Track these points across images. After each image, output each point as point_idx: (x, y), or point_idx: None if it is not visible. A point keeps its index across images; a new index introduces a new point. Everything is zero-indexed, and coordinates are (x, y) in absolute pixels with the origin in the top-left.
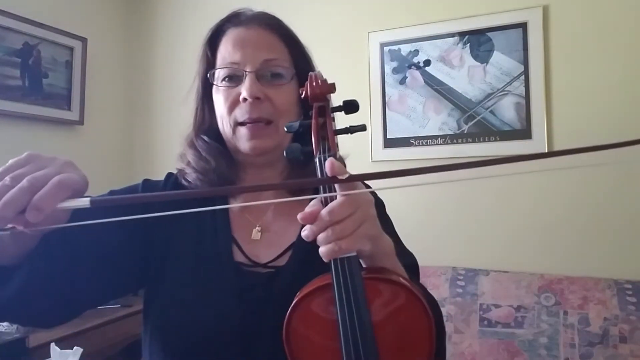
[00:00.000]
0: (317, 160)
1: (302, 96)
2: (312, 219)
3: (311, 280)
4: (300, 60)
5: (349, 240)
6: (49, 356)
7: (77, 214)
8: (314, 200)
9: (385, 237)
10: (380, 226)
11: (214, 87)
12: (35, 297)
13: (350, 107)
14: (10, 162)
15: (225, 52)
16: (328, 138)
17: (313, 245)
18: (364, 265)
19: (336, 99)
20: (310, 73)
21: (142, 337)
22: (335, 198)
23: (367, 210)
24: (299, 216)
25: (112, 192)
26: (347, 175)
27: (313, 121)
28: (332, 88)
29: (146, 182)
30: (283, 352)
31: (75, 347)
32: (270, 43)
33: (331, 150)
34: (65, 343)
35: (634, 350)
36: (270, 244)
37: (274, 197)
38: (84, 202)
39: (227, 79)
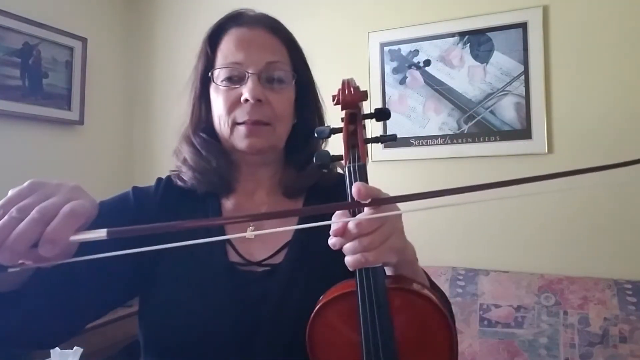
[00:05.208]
0: (347, 169)
1: (334, 103)
2: (342, 231)
3: (308, 278)
4: (299, 64)
5: (376, 252)
6: (49, 356)
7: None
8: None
9: (410, 247)
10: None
11: (213, 85)
12: (40, 321)
13: (382, 114)
14: (11, 192)
15: (228, 51)
16: (358, 146)
17: (309, 243)
18: (387, 273)
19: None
20: (343, 79)
21: (138, 338)
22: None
23: (394, 224)
24: (332, 233)
25: (101, 204)
26: (369, 200)
27: (344, 128)
28: (364, 96)
29: (136, 189)
30: (280, 350)
31: (75, 347)
32: (273, 45)
33: (361, 159)
34: (65, 343)
35: (634, 350)
36: (264, 243)
37: (267, 198)
38: (100, 233)
39: (227, 78)
